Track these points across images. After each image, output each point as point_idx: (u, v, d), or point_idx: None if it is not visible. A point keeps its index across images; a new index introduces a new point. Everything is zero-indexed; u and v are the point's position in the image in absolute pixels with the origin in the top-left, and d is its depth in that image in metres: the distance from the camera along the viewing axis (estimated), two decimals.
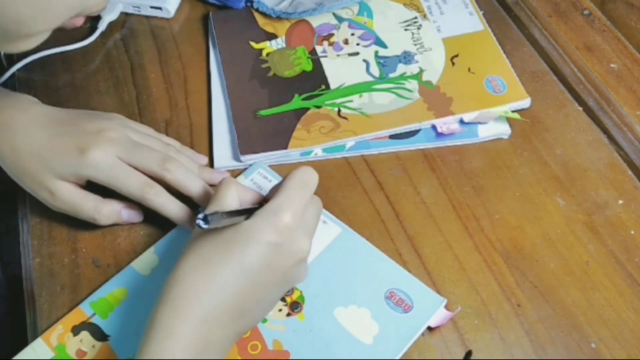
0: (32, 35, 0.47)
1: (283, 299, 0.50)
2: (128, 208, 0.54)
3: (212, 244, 0.44)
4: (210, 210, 0.46)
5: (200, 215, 0.41)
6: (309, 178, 0.48)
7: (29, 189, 0.53)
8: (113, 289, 0.51)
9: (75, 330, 0.49)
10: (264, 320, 0.49)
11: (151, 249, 0.53)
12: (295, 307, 0.50)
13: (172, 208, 0.52)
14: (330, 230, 0.54)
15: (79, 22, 0.51)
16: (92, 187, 0.53)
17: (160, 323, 0.41)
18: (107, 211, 0.53)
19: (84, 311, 0.50)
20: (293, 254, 0.45)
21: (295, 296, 0.51)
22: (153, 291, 0.51)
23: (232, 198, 0.47)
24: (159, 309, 0.42)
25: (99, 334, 0.49)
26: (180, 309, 0.42)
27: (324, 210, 0.55)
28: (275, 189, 0.48)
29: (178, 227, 0.54)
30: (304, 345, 0.48)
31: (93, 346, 0.48)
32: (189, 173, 0.53)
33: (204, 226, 0.40)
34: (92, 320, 0.50)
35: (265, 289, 0.45)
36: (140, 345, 0.42)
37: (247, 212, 0.45)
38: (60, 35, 0.69)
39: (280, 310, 0.50)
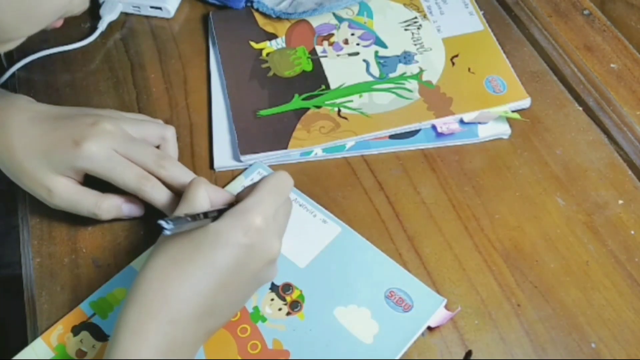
0: (14, 39, 0.47)
1: (283, 299, 0.50)
2: (128, 202, 0.54)
3: (180, 244, 0.44)
4: (180, 211, 0.46)
5: (163, 220, 0.40)
6: (284, 183, 0.48)
7: (27, 188, 0.53)
8: (113, 289, 0.51)
9: (75, 330, 0.49)
10: (264, 320, 0.49)
11: (151, 249, 0.53)
12: (295, 306, 0.50)
13: (168, 202, 0.52)
14: (330, 230, 0.54)
15: (59, 23, 0.50)
16: (90, 184, 0.53)
17: (127, 323, 0.41)
18: (107, 205, 0.53)
19: (84, 311, 0.50)
20: (263, 255, 0.45)
21: (295, 295, 0.51)
22: None
23: (202, 199, 0.47)
24: (126, 309, 0.42)
25: (99, 334, 0.49)
26: (148, 309, 0.41)
27: (323, 209, 0.55)
28: (248, 190, 0.48)
29: None
30: (304, 344, 0.48)
31: (93, 346, 0.48)
32: (183, 170, 0.53)
33: (167, 232, 0.40)
34: (92, 320, 0.50)
35: (235, 289, 0.45)
36: (108, 346, 0.42)
37: (215, 214, 0.45)
38: (60, 35, 0.69)
39: (280, 309, 0.50)
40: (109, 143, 0.51)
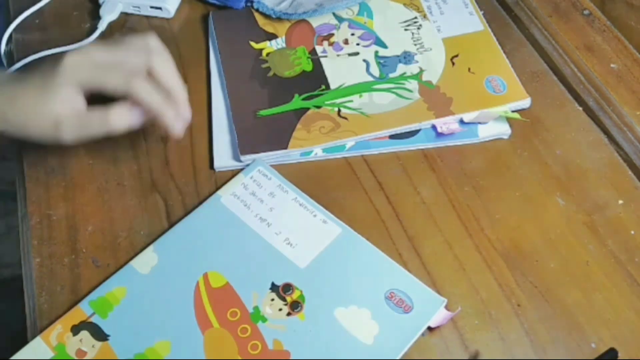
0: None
1: (283, 299, 0.50)
2: (134, 107, 0.53)
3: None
4: None
5: None
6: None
7: (35, 134, 0.52)
8: (112, 288, 0.51)
9: (75, 330, 0.49)
10: (264, 320, 0.49)
11: (150, 248, 0.53)
12: (295, 306, 0.50)
13: (156, 98, 0.52)
14: (330, 230, 0.54)
15: None
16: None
17: None
18: (117, 115, 0.52)
19: (84, 310, 0.50)
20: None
21: (295, 296, 0.51)
22: (152, 290, 0.51)
23: None
24: None
25: (98, 334, 0.49)
26: None
27: (323, 209, 0.55)
28: None
29: (178, 226, 0.54)
30: (304, 345, 0.48)
31: (93, 346, 0.48)
32: (153, 87, 0.52)
33: None
34: (92, 319, 0.50)
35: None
36: None
37: None
38: (60, 35, 0.69)
39: (280, 309, 0.50)
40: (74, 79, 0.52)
